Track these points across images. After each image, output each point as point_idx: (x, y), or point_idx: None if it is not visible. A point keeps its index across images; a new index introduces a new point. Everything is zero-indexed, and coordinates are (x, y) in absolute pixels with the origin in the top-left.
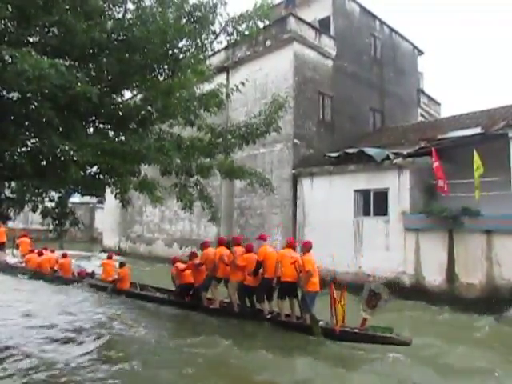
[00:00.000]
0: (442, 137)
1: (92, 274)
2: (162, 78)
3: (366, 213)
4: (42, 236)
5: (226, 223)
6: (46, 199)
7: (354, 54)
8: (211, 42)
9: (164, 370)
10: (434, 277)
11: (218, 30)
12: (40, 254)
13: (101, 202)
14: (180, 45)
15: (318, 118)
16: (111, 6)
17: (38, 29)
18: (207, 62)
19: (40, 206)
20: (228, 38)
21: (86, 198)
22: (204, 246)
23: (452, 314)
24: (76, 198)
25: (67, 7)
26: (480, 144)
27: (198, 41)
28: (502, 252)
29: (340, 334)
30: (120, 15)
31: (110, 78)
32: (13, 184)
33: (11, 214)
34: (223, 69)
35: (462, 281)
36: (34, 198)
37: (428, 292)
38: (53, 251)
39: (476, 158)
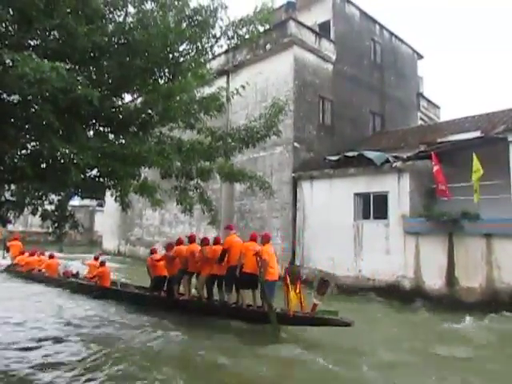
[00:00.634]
0: (442, 140)
1: (76, 274)
2: (162, 82)
3: (366, 216)
4: (41, 239)
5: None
6: (46, 202)
7: (354, 58)
8: (212, 46)
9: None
10: (434, 280)
11: (218, 34)
12: (30, 255)
13: (101, 205)
14: (180, 48)
15: (318, 122)
16: (112, 9)
17: (38, 32)
18: (207, 66)
19: (40, 209)
20: (228, 41)
21: (86, 201)
22: (178, 242)
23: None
24: (76, 201)
25: (68, 10)
26: (480, 148)
27: (199, 44)
28: (502, 256)
29: (293, 319)
30: (121, 19)
31: (110, 81)
32: (13, 187)
33: (11, 216)
34: (223, 72)
35: (462, 284)
36: (33, 201)
37: (428, 296)
38: (42, 253)
39: (475, 161)
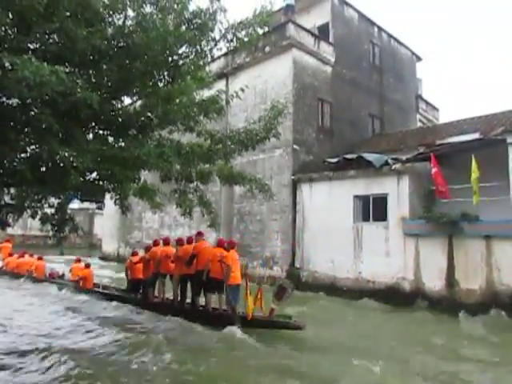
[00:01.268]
0: (441, 142)
1: (62, 276)
2: (161, 85)
3: (366, 218)
4: (41, 242)
5: (226, 229)
6: (46, 205)
7: (353, 61)
8: (211, 49)
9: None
10: (434, 282)
11: (217, 37)
12: (19, 257)
13: (100, 208)
14: (180, 51)
15: (317, 124)
16: (111, 12)
17: (38, 35)
18: (207, 69)
19: (39, 212)
20: (228, 44)
21: (86, 204)
22: (154, 243)
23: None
24: (75, 204)
25: (68, 14)
26: (478, 149)
27: (198, 47)
28: (502, 257)
29: (251, 321)
30: (120, 22)
31: (110, 84)
32: (12, 190)
33: (10, 220)
34: (223, 75)
35: (462, 286)
36: (33, 204)
37: (428, 297)
38: (31, 255)
39: (473, 163)
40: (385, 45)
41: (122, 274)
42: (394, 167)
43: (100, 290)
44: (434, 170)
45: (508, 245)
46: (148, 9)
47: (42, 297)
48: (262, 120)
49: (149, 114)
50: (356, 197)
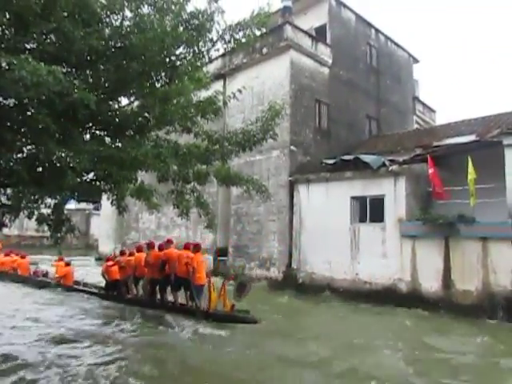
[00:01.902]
0: (438, 144)
1: (46, 274)
2: (159, 85)
3: (363, 219)
4: (37, 243)
5: (223, 230)
6: (42, 206)
7: (350, 62)
8: (208, 50)
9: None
10: (431, 283)
11: (215, 38)
12: (6, 255)
13: (97, 209)
14: (177, 52)
15: (314, 125)
16: (109, 13)
17: (35, 35)
18: (204, 69)
19: (36, 213)
20: (225, 45)
21: (82, 205)
22: (129, 254)
23: None
24: (72, 205)
25: (65, 14)
26: (475, 151)
27: (196, 48)
28: (498, 259)
29: (212, 315)
30: (118, 23)
31: (107, 84)
32: (8, 190)
33: (6, 220)
34: (220, 76)
35: (458, 287)
36: (29, 205)
37: (424, 299)
38: (17, 254)
39: (470, 164)
40: (382, 46)
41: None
42: (390, 168)
43: (80, 287)
44: (430, 171)
45: (504, 246)
46: (145, 9)
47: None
48: (260, 121)
49: (146, 115)
50: (353, 198)
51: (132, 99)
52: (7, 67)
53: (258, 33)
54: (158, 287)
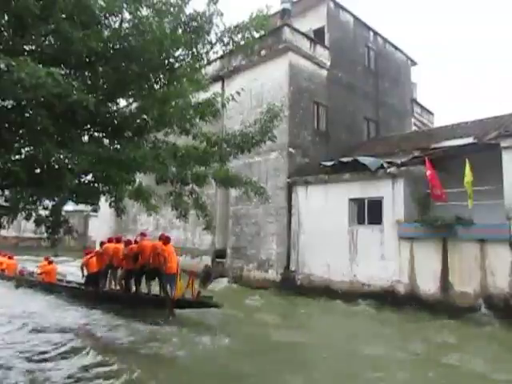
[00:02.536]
0: (436, 146)
1: (31, 273)
2: (157, 87)
3: (361, 221)
4: (34, 244)
5: (221, 232)
6: (40, 207)
7: (349, 64)
8: (207, 52)
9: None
10: (429, 285)
11: (214, 40)
12: None
13: (95, 211)
14: (176, 54)
15: (312, 127)
16: (108, 15)
17: (34, 37)
18: (203, 71)
19: (34, 214)
20: (224, 47)
21: (80, 206)
22: (108, 240)
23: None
24: (70, 206)
25: (64, 16)
26: (473, 154)
27: (194, 50)
28: (496, 261)
29: (181, 303)
30: (116, 25)
31: (106, 86)
32: (6, 192)
33: (4, 222)
34: (219, 78)
35: (456, 289)
36: (27, 206)
37: (422, 300)
38: (5, 255)
39: (467, 167)
40: (380, 49)
41: None
42: (389, 171)
43: (63, 283)
44: (428, 173)
45: (502, 248)
46: (144, 11)
47: None
48: (258, 123)
49: (144, 117)
50: (351, 200)
51: (130, 101)
52: (6, 69)
53: (256, 35)
54: (133, 279)
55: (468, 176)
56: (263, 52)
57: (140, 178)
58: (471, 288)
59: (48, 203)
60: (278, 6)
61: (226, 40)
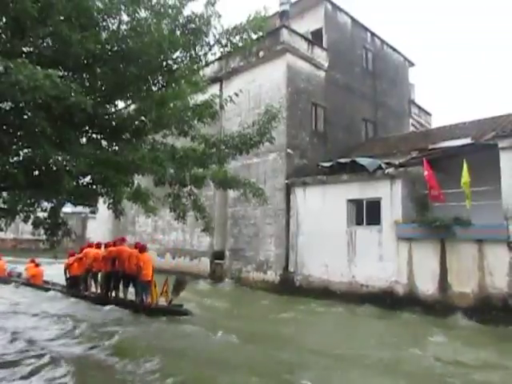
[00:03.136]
0: (434, 147)
1: (20, 274)
2: (155, 89)
3: (359, 222)
4: (33, 246)
5: (220, 233)
6: (38, 209)
7: (346, 66)
8: (205, 54)
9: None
10: (427, 286)
11: (212, 42)
12: None
13: (93, 212)
14: (174, 56)
15: (311, 129)
16: (106, 17)
17: (32, 39)
18: (201, 73)
19: (32, 216)
20: (222, 49)
21: (79, 208)
22: (87, 245)
23: None
24: (68, 208)
25: (62, 18)
26: (470, 154)
27: (192, 52)
28: (494, 261)
29: (153, 309)
30: (115, 27)
31: (104, 88)
32: (4, 194)
33: (2, 224)
34: (217, 79)
35: (455, 290)
36: (25, 208)
37: (421, 301)
38: None
39: (464, 168)
40: (378, 50)
41: None
42: (387, 171)
43: (49, 286)
44: (426, 173)
45: (500, 249)
46: (143, 14)
47: None
48: (256, 124)
49: (143, 118)
50: (350, 201)
51: (129, 103)
52: (4, 71)
53: (254, 36)
54: (112, 284)
55: (465, 177)
56: (261, 53)
57: (138, 179)
58: (469, 288)
59: (46, 205)
60: (276, 8)
61: (223, 42)
